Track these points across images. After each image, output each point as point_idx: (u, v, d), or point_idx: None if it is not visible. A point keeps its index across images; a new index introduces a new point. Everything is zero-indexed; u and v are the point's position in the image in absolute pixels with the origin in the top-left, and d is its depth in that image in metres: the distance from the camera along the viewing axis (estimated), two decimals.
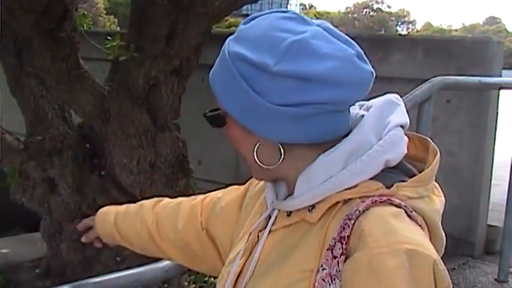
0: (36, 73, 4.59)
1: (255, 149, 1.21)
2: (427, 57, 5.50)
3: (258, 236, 1.29)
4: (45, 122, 4.71)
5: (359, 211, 1.08)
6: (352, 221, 1.07)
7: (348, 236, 1.06)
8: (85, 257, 4.67)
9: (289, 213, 1.23)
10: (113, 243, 1.95)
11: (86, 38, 4.56)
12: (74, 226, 4.61)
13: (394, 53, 5.57)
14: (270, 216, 1.29)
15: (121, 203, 4.46)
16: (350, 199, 1.13)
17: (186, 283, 4.80)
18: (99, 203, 4.59)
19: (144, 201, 1.84)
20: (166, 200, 1.82)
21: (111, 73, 4.73)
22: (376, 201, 1.09)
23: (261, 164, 1.21)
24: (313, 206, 1.17)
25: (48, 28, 4.22)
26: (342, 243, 1.06)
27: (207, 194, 1.69)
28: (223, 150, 6.54)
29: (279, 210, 1.26)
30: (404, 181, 1.15)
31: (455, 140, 5.33)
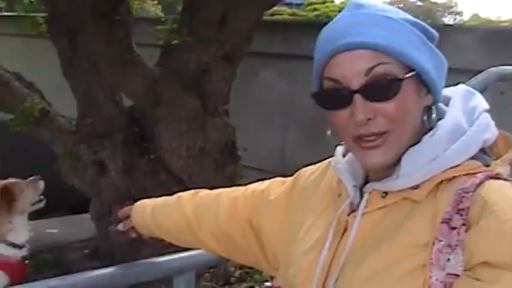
0: (89, 56, 4.64)
1: (425, 111, 1.24)
2: (479, 47, 5.40)
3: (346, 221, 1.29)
4: (97, 105, 4.76)
5: (475, 184, 1.14)
6: (470, 194, 1.13)
7: (468, 208, 1.12)
8: (133, 240, 4.70)
9: (384, 195, 1.23)
10: (149, 235, 2.01)
11: (134, 24, 4.60)
12: (116, 211, 4.68)
13: (446, 43, 5.47)
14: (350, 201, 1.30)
15: (170, 187, 4.51)
16: (454, 177, 1.19)
17: (232, 268, 4.82)
18: (148, 186, 4.64)
19: (181, 193, 1.86)
20: (205, 191, 1.84)
21: (161, 58, 4.76)
22: (488, 176, 1.16)
23: (427, 126, 1.24)
24: (417, 185, 1.20)
25: (104, 11, 4.26)
26: (460, 215, 1.12)
27: (247, 186, 1.70)
28: (269, 138, 6.55)
29: (370, 193, 1.26)
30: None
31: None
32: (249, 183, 1.74)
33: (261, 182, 1.67)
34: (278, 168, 6.28)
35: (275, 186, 1.61)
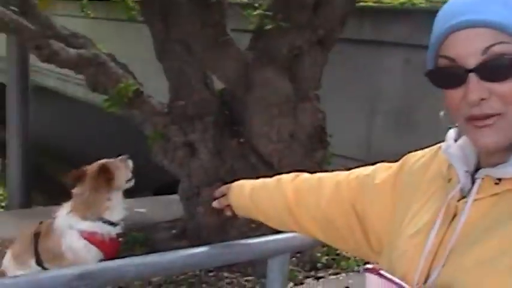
0: (182, 39, 4.69)
1: None
2: None
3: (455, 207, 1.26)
4: (189, 88, 4.81)
5: None
6: None
7: None
8: (220, 221, 4.75)
9: (497, 181, 1.19)
10: (246, 215, 1.98)
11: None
12: (212, 190, 4.72)
13: None
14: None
15: (259, 170, 4.52)
16: None
17: (318, 254, 4.81)
18: (237, 168, 4.67)
19: (281, 176, 1.84)
20: (305, 175, 1.81)
21: (252, 42, 4.77)
22: None
23: None
24: None
25: None
26: None
27: (350, 171, 1.66)
28: (355, 125, 6.49)
29: (483, 179, 1.22)
30: None
31: None
32: (334, 171, 1.73)
33: (364, 167, 1.63)
34: (364, 156, 6.22)
35: (381, 170, 1.58)
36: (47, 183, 10.99)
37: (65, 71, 9.99)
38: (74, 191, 3.91)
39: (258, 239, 2.69)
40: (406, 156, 1.52)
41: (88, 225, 3.82)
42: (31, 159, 7.50)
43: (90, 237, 3.81)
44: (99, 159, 4.05)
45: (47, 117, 13.03)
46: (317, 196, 1.68)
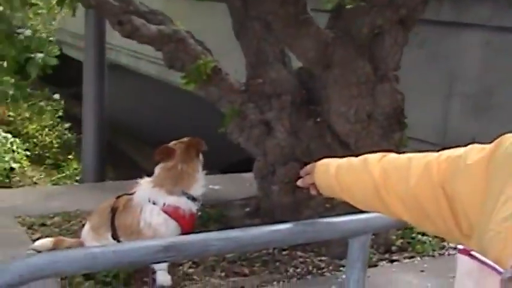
0: (261, 17, 4.68)
1: None
2: None
3: None
4: (266, 66, 4.80)
5: None
6: None
7: None
8: (295, 201, 4.74)
9: None
10: (330, 195, 1.98)
11: None
12: (287, 169, 4.71)
13: None
14: None
15: (335, 151, 4.49)
16: None
17: (393, 237, 4.76)
18: (313, 148, 4.65)
19: (367, 155, 1.83)
20: (392, 155, 1.79)
21: (331, 21, 4.73)
22: None
23: None
24: None
25: None
26: None
27: (441, 152, 1.62)
28: (432, 108, 6.37)
29: None
30: None
31: None
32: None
33: (455, 149, 1.60)
34: (440, 140, 6.12)
35: (473, 151, 1.54)
36: (118, 158, 11.22)
37: (138, 48, 10.15)
38: (160, 166, 3.98)
39: (340, 218, 2.68)
40: (501, 138, 1.48)
41: (173, 200, 3.88)
42: (105, 135, 7.63)
43: (173, 212, 3.87)
44: (170, 136, 4.11)
45: (119, 94, 13.27)
46: (405, 176, 1.66)
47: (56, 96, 5.48)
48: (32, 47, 5.18)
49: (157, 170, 4.00)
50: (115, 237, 3.99)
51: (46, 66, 5.21)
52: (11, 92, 5.21)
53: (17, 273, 1.95)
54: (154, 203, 3.88)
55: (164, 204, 3.86)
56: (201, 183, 4.00)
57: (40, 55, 5.16)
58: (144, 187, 3.97)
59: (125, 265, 3.16)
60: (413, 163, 1.67)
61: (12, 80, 5.19)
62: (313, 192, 2.10)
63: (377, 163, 1.77)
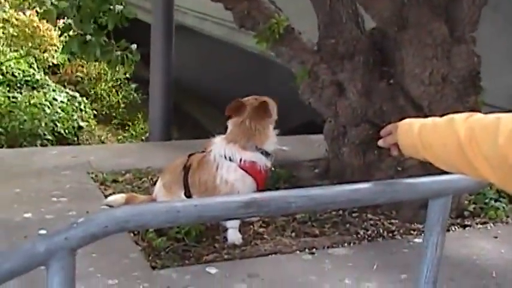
0: None
1: None
2: None
3: None
4: (339, 26, 4.74)
5: None
6: None
7: None
8: (365, 163, 4.71)
9: None
10: (412, 155, 1.93)
11: None
12: (358, 130, 4.67)
13: None
14: None
15: (408, 113, 4.41)
16: None
17: (466, 202, 4.69)
18: (385, 110, 4.59)
19: (453, 115, 1.75)
20: (479, 114, 1.71)
21: None
22: None
23: None
24: None
25: None
26: None
27: None
28: (506, 74, 6.20)
29: None
30: None
31: None
32: None
33: None
34: None
35: None
36: (182, 119, 11.31)
37: (203, 9, 10.11)
38: (232, 121, 3.99)
39: (420, 179, 2.64)
40: None
41: (249, 155, 3.90)
42: (172, 95, 7.69)
43: (249, 168, 3.89)
44: (235, 97, 4.11)
45: (185, 55, 13.32)
46: (493, 134, 1.59)
47: (133, 46, 5.45)
48: None
49: (229, 125, 4.03)
50: (188, 194, 4.03)
51: (123, 18, 5.22)
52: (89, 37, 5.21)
53: (102, 225, 1.98)
54: (230, 159, 3.91)
55: (241, 161, 3.89)
56: (272, 140, 4.01)
57: (119, 7, 5.19)
58: (218, 144, 3.99)
59: (206, 220, 3.20)
60: (503, 121, 1.60)
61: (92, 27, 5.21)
62: (394, 152, 2.07)
63: (463, 122, 1.70)
